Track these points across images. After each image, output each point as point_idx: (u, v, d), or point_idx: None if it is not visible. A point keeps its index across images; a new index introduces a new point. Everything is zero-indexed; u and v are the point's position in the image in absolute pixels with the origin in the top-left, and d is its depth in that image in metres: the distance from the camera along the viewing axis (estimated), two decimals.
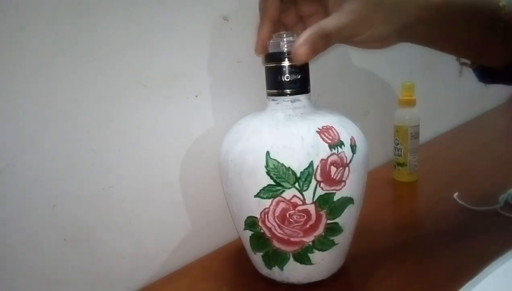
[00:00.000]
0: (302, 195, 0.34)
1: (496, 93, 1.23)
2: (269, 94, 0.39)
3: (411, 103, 0.64)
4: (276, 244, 0.37)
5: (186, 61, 0.45)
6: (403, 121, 0.63)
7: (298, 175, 0.34)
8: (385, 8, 0.36)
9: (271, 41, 0.38)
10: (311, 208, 0.35)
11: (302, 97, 0.38)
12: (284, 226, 0.36)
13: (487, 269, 0.36)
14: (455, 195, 0.56)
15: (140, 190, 0.43)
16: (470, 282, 0.35)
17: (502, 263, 0.37)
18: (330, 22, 0.35)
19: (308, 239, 0.36)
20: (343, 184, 0.35)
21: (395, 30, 0.36)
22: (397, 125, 0.65)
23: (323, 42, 0.35)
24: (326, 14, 0.38)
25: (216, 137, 0.43)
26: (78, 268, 0.39)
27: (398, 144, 0.65)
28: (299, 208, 0.35)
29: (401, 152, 0.64)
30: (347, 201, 0.36)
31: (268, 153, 0.34)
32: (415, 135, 0.64)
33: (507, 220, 0.49)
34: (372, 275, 0.41)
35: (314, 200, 0.34)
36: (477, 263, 0.36)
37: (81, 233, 0.39)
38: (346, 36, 0.36)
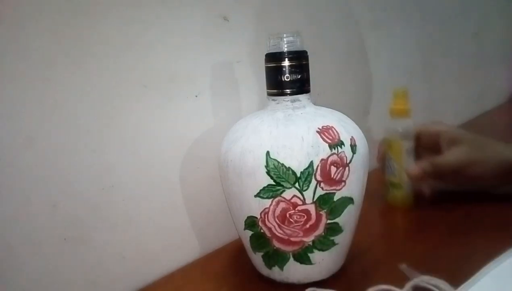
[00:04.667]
0: (302, 195, 0.34)
1: (496, 93, 1.23)
2: (269, 94, 0.39)
3: (404, 113, 0.53)
4: (276, 244, 0.37)
5: (186, 61, 0.45)
6: (396, 135, 0.53)
7: (298, 174, 0.34)
8: (485, 153, 0.51)
9: (272, 40, 0.38)
10: (311, 208, 0.35)
11: (302, 97, 0.38)
12: (284, 226, 0.36)
13: (484, 269, 0.36)
14: None
15: (140, 190, 0.43)
16: (467, 282, 0.35)
17: (498, 264, 0.37)
18: (440, 157, 0.51)
19: (308, 239, 0.36)
20: (343, 184, 0.35)
21: (492, 172, 0.50)
22: (389, 139, 0.54)
23: (431, 168, 0.51)
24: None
25: (216, 137, 0.43)
26: (78, 268, 0.39)
27: (391, 160, 0.54)
28: (299, 208, 0.35)
29: (394, 170, 0.54)
30: (347, 201, 0.36)
31: (268, 152, 0.34)
32: (410, 151, 0.54)
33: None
34: (372, 275, 0.41)
35: (314, 199, 0.34)
36: (478, 262, 0.36)
37: (81, 233, 0.39)
38: (451, 168, 0.50)
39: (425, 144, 0.55)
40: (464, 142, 0.51)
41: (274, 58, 0.37)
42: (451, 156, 0.51)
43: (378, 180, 0.56)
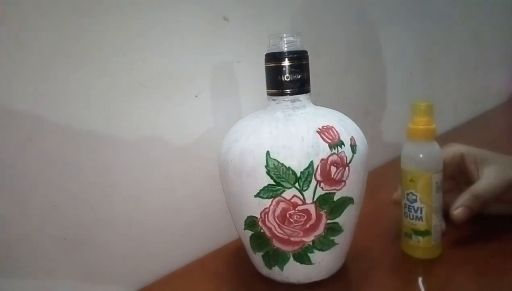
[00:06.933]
0: (302, 195, 0.34)
1: (496, 93, 1.23)
2: (269, 94, 0.39)
3: (429, 134, 0.40)
4: (276, 244, 0.37)
5: (186, 61, 0.45)
6: (421, 165, 0.40)
7: (298, 174, 0.34)
8: None
9: (272, 40, 0.38)
10: (311, 208, 0.35)
11: (302, 97, 0.38)
12: (284, 226, 0.36)
13: None
14: None
15: (140, 190, 0.43)
16: None
17: None
18: (480, 185, 0.43)
19: (308, 239, 0.36)
20: (343, 183, 0.35)
21: None
22: (410, 170, 0.41)
23: (477, 202, 0.42)
24: (464, 187, 0.45)
25: (216, 137, 0.43)
26: (78, 268, 0.39)
27: (415, 201, 0.41)
28: (299, 207, 0.35)
29: (421, 213, 0.41)
30: (347, 200, 0.36)
31: (268, 152, 0.34)
32: (440, 185, 0.41)
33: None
34: (372, 275, 0.41)
35: (314, 199, 0.34)
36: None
37: (81, 233, 0.39)
38: (497, 194, 0.43)
39: (449, 173, 0.47)
40: (492, 161, 0.45)
41: (274, 58, 0.37)
42: (492, 179, 0.43)
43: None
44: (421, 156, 0.40)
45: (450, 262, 0.42)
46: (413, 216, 0.41)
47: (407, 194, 0.41)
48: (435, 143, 0.41)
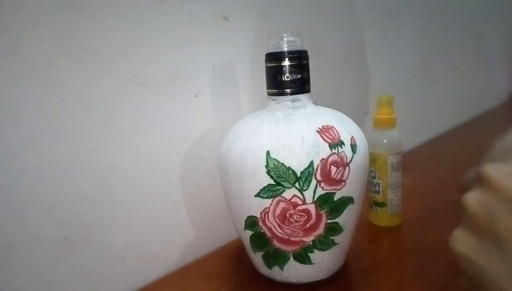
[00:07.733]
0: (302, 195, 0.34)
1: (496, 93, 1.23)
2: (269, 94, 0.39)
3: (390, 123, 0.49)
4: (276, 243, 0.37)
5: (186, 61, 0.45)
6: (380, 148, 0.48)
7: (299, 174, 0.34)
8: None
9: (272, 40, 0.38)
10: (311, 208, 0.35)
11: (302, 97, 0.38)
12: (284, 226, 0.36)
13: None
14: None
15: (140, 190, 0.43)
16: None
17: None
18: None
19: (308, 239, 0.36)
20: (343, 183, 0.35)
21: None
22: (373, 152, 0.47)
23: None
24: None
25: (216, 137, 0.43)
26: (78, 268, 0.39)
27: (375, 177, 0.49)
28: (299, 207, 0.35)
29: (379, 187, 0.49)
30: (347, 200, 0.36)
31: (268, 152, 0.34)
32: (397, 167, 0.48)
33: None
34: (372, 275, 0.41)
35: (314, 199, 0.34)
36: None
37: (81, 233, 0.39)
38: None
39: None
40: None
41: (274, 58, 0.37)
42: None
43: None
44: (384, 141, 0.48)
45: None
46: (373, 190, 0.49)
47: (370, 171, 0.48)
48: (395, 131, 0.49)
